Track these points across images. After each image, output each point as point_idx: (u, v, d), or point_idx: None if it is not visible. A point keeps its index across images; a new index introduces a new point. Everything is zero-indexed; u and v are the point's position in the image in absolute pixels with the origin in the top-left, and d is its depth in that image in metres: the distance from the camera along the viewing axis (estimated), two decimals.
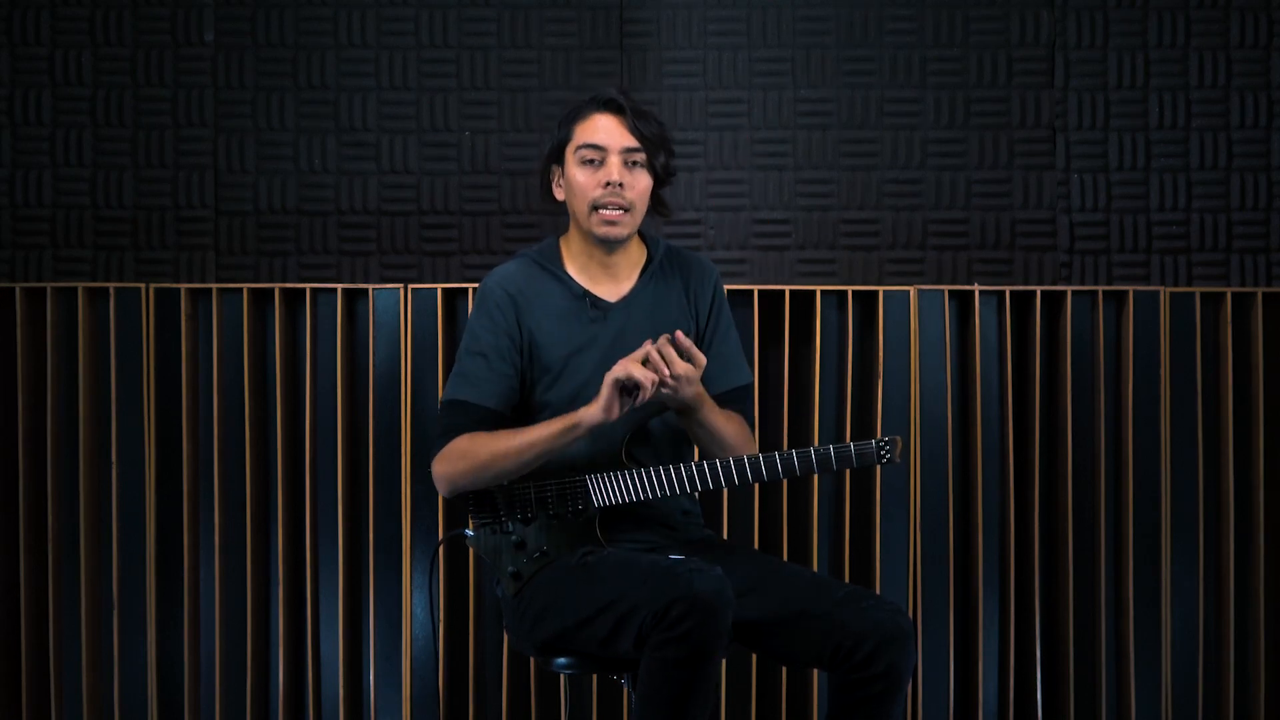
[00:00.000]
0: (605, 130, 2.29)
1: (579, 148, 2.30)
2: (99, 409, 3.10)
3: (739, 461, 2.18)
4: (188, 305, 3.08)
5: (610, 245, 2.32)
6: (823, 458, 2.15)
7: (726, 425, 2.32)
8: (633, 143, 2.29)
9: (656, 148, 2.31)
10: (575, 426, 2.19)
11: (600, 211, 2.28)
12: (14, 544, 3.09)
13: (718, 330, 2.41)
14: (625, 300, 2.35)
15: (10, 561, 3.10)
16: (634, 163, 2.30)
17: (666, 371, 2.15)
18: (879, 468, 3.06)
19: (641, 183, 2.31)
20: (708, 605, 1.99)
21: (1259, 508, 3.13)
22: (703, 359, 2.19)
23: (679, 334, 2.18)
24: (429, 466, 2.31)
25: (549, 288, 2.35)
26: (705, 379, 2.30)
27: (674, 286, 2.39)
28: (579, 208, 2.31)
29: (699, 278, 2.41)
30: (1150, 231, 3.28)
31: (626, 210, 2.29)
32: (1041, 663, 3.12)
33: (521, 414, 2.33)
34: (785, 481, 3.11)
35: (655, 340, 2.18)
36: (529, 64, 3.27)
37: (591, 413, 2.17)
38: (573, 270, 2.36)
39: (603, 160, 2.29)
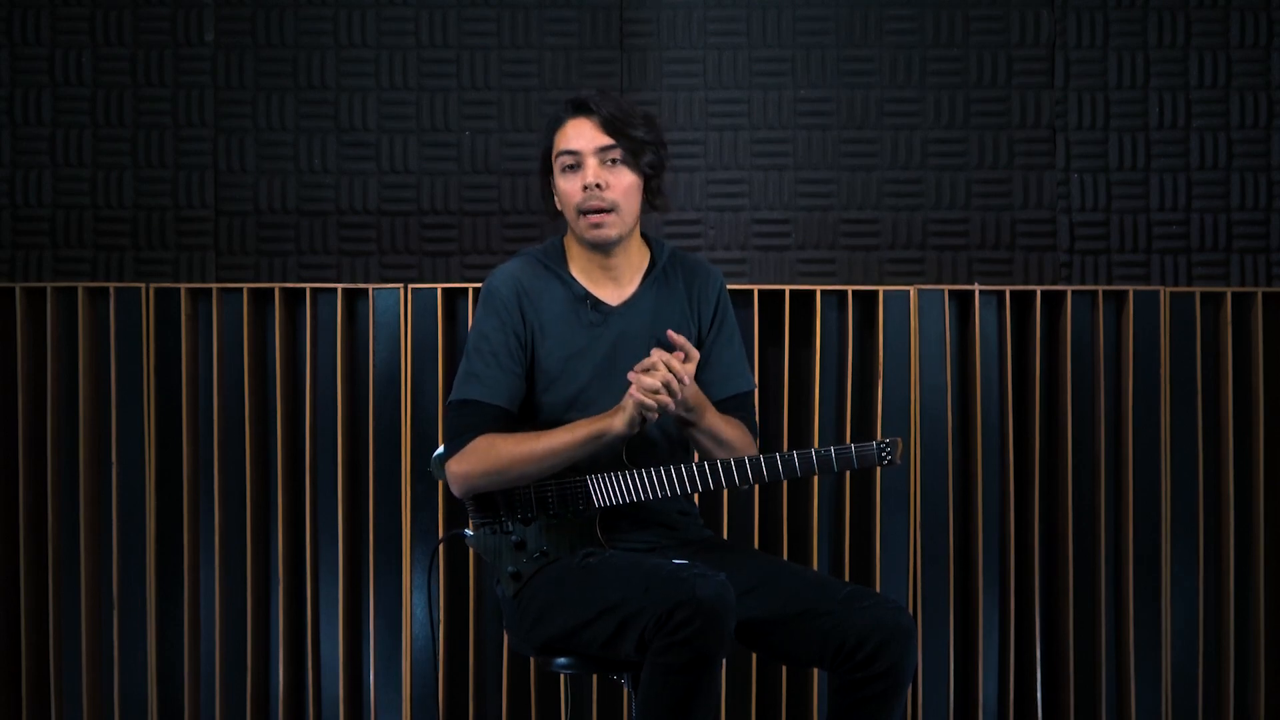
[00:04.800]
0: (577, 134, 2.27)
1: (558, 155, 2.29)
2: (99, 409, 3.10)
3: (739, 462, 2.18)
4: (188, 305, 3.08)
5: (604, 248, 2.31)
6: (823, 459, 2.14)
7: (727, 430, 2.31)
8: (606, 141, 2.26)
9: (636, 142, 2.27)
10: (601, 435, 2.19)
11: (586, 216, 2.27)
12: (14, 544, 3.09)
13: (720, 337, 2.39)
14: (626, 304, 2.34)
15: (10, 561, 3.10)
16: (612, 160, 2.27)
17: (675, 384, 2.15)
18: (879, 467, 3.06)
19: (623, 180, 2.27)
20: (710, 611, 1.98)
21: (1259, 508, 3.14)
22: (696, 353, 2.18)
23: (670, 333, 2.18)
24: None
25: (551, 287, 2.33)
26: (707, 386, 2.30)
27: (676, 292, 2.37)
28: (568, 215, 2.31)
29: (702, 283, 2.39)
30: (1150, 231, 3.28)
31: (610, 210, 2.26)
32: (1041, 663, 3.12)
33: (521, 414, 2.32)
34: (785, 481, 3.12)
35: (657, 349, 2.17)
36: (529, 64, 3.26)
37: (617, 425, 2.17)
38: (575, 271, 2.35)
39: (579, 164, 2.27)
